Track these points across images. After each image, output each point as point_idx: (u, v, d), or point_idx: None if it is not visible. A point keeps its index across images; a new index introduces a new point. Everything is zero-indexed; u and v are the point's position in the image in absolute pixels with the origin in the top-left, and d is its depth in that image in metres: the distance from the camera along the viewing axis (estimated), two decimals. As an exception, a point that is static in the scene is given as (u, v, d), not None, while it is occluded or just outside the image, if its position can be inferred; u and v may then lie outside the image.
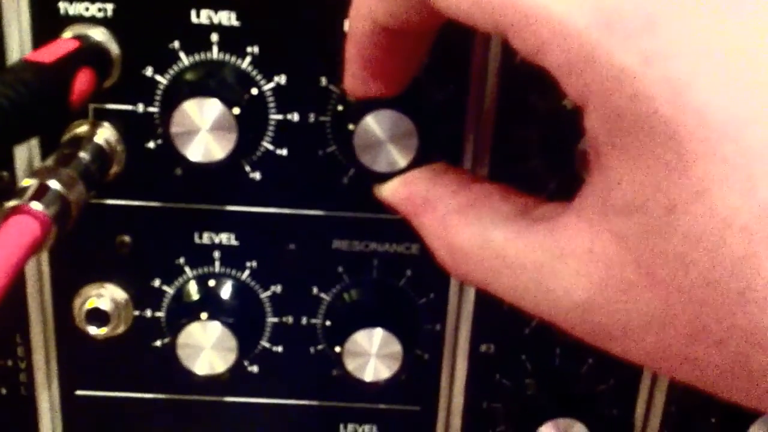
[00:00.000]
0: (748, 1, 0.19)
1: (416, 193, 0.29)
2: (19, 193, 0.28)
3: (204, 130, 0.31)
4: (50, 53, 0.28)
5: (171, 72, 0.33)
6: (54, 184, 0.29)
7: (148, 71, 0.33)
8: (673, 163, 0.19)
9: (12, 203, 0.27)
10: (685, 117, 0.19)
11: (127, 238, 0.36)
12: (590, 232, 0.22)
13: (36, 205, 0.27)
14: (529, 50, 0.21)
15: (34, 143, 0.35)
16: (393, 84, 0.29)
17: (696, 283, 0.19)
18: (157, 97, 0.33)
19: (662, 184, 0.19)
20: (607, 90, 0.20)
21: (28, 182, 0.28)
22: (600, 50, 0.20)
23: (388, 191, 0.31)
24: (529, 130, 0.35)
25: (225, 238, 0.36)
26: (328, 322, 0.37)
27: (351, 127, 0.31)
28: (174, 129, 0.31)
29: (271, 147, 0.35)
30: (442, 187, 0.28)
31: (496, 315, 0.38)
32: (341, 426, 0.40)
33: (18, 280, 0.36)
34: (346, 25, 0.33)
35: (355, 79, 0.29)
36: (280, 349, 0.38)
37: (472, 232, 0.26)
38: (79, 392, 0.39)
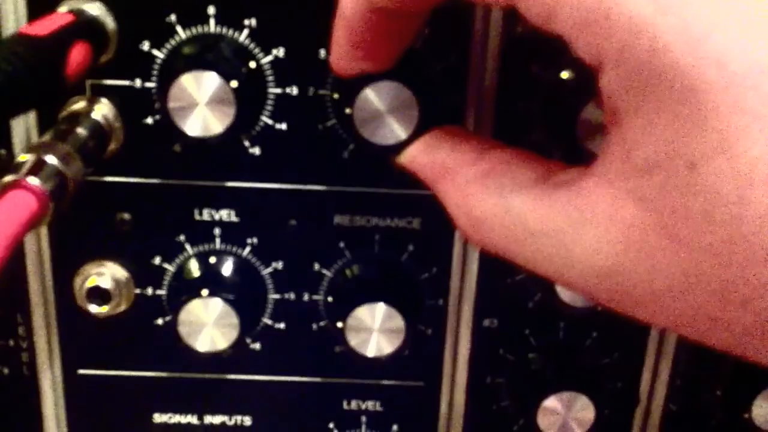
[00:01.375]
0: None
1: (436, 161, 0.28)
2: (16, 168, 0.27)
3: (202, 104, 0.31)
4: (45, 26, 0.28)
5: (168, 46, 0.33)
6: (51, 159, 0.28)
7: (145, 46, 0.33)
8: (693, 116, 0.19)
9: (9, 178, 0.27)
10: (704, 67, 0.18)
11: (126, 216, 0.36)
12: (611, 195, 0.21)
13: (33, 180, 0.27)
14: (540, 15, 0.21)
15: (32, 122, 0.35)
16: (381, 62, 0.29)
17: (720, 241, 0.19)
18: (155, 72, 0.33)
19: (682, 139, 0.19)
20: (623, 44, 0.19)
21: (25, 157, 0.28)
22: (613, 3, 0.19)
23: (408, 158, 0.30)
24: (531, 100, 0.34)
25: (225, 214, 0.36)
26: (330, 298, 0.37)
27: (347, 111, 0.31)
28: (172, 103, 0.31)
29: (270, 121, 0.34)
30: (462, 155, 0.28)
31: (499, 289, 0.38)
32: (344, 402, 0.40)
33: (18, 259, 0.36)
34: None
35: (342, 58, 0.28)
36: (282, 325, 0.38)
37: (493, 200, 0.25)
38: (81, 371, 0.39)
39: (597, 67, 0.21)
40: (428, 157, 0.29)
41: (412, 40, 0.29)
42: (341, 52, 0.28)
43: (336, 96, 0.33)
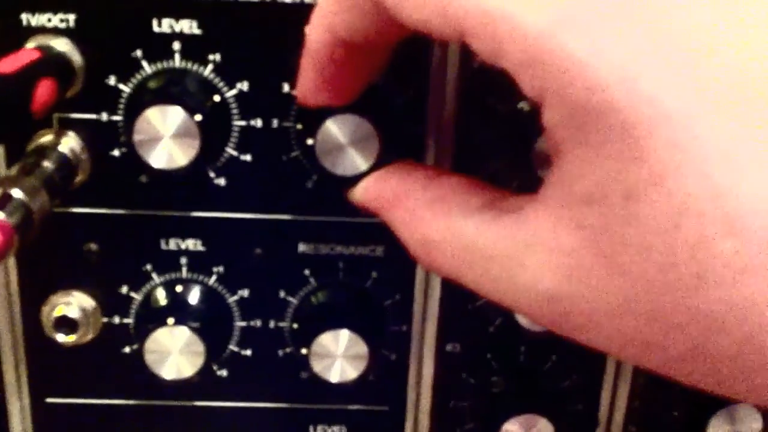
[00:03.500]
0: None
1: (387, 189, 0.30)
2: (-18, 202, 0.28)
3: (167, 137, 0.31)
4: (11, 63, 0.29)
5: (134, 80, 0.33)
6: (17, 193, 0.29)
7: (112, 80, 0.34)
8: (629, 151, 0.20)
9: (-25, 213, 0.27)
10: (639, 107, 0.19)
11: (94, 246, 0.36)
12: (554, 223, 0.22)
13: (-2, 215, 0.28)
14: (487, 52, 0.22)
15: (-1, 153, 0.35)
16: (345, 95, 0.30)
17: (654, 268, 0.20)
18: (121, 106, 0.34)
19: (619, 172, 0.20)
20: (562, 83, 0.20)
21: (-9, 192, 0.29)
22: (555, 45, 0.20)
23: (360, 191, 0.31)
24: (489, 132, 0.35)
25: (191, 243, 0.37)
26: (295, 325, 0.38)
27: (309, 142, 0.32)
28: (137, 136, 0.32)
29: (235, 153, 0.35)
30: (411, 182, 0.29)
31: (462, 315, 0.39)
32: (311, 427, 0.40)
33: (-15, 289, 0.36)
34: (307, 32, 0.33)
35: (307, 89, 0.29)
36: (248, 352, 0.39)
37: (442, 224, 0.26)
38: (49, 399, 0.39)
39: (539, 103, 0.22)
40: (379, 187, 0.30)
41: (375, 75, 0.30)
42: (307, 84, 0.29)
43: (299, 128, 0.34)
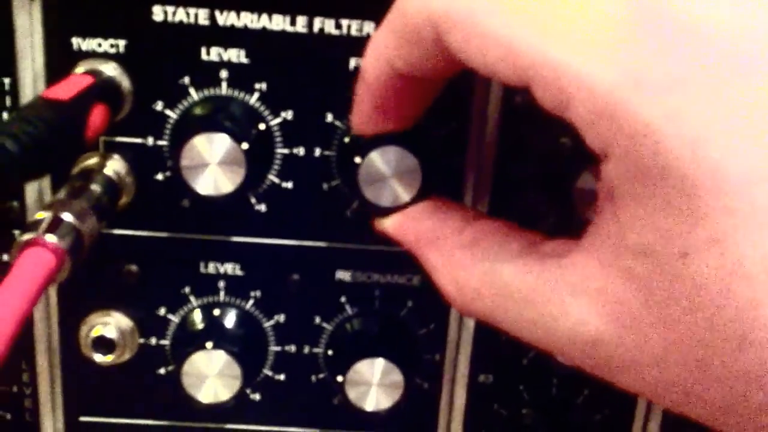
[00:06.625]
0: None
1: (422, 229, 0.30)
2: (34, 225, 0.29)
3: (213, 164, 0.32)
4: (67, 90, 0.29)
5: (181, 107, 0.34)
6: (67, 216, 0.29)
7: (159, 106, 0.34)
8: (689, 213, 0.20)
9: (27, 236, 0.28)
10: (703, 173, 0.20)
11: (134, 268, 0.37)
12: (602, 270, 0.23)
13: (50, 238, 0.28)
14: (553, 103, 0.22)
15: (43, 173, 0.36)
16: (400, 123, 0.30)
17: (701, 325, 0.20)
18: (167, 131, 0.34)
19: (677, 231, 0.20)
20: (629, 143, 0.21)
21: (42, 215, 0.29)
22: (626, 106, 0.20)
23: (393, 225, 0.31)
24: (528, 167, 0.36)
25: (230, 268, 0.37)
26: (330, 352, 0.38)
27: (356, 161, 0.32)
28: (184, 162, 0.32)
29: (276, 180, 0.35)
30: (448, 223, 0.29)
31: (495, 346, 0.39)
32: (341, 453, 0.41)
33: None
34: (352, 63, 0.34)
35: (362, 118, 0.30)
36: (282, 377, 0.39)
37: (480, 267, 0.27)
38: (83, 418, 0.39)
39: (602, 156, 0.22)
40: (414, 225, 0.30)
41: (429, 103, 0.30)
42: (363, 114, 0.29)
43: (341, 157, 0.35)
